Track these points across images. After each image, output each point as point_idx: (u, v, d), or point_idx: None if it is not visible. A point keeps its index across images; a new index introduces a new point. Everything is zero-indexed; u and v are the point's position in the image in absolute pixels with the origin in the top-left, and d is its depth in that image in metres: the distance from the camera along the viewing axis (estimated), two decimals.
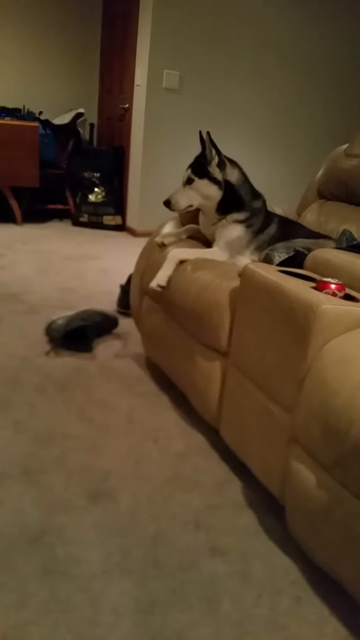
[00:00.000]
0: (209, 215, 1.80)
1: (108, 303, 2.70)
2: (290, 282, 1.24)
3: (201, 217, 1.88)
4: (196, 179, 1.72)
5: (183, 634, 1.02)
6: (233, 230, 1.76)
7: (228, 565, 1.19)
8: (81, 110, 4.54)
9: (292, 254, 1.55)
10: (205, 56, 4.17)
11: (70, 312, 2.28)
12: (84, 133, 4.96)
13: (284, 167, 4.76)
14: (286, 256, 1.54)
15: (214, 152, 1.71)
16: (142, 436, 1.65)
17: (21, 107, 4.56)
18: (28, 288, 2.88)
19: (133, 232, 4.55)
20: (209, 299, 1.52)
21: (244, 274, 1.37)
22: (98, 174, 4.63)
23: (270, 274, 1.30)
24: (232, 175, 1.75)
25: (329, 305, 1.12)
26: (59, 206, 4.70)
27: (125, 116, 4.54)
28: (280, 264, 1.52)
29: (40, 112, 4.58)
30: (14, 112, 4.42)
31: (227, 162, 1.74)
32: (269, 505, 1.38)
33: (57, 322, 2.20)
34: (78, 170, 4.63)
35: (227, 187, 1.73)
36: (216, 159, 1.72)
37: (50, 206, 4.67)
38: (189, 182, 1.73)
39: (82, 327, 2.16)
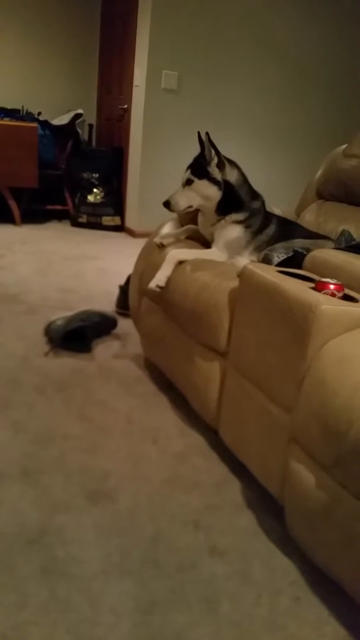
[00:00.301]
0: (208, 216, 1.80)
1: (107, 303, 2.70)
2: (289, 282, 1.24)
3: (200, 218, 1.88)
4: (196, 180, 1.72)
5: (182, 634, 1.02)
6: (232, 231, 1.76)
7: (227, 565, 1.19)
8: (80, 110, 4.55)
9: (291, 254, 1.55)
10: (204, 57, 4.17)
11: (69, 313, 2.28)
12: (83, 133, 4.96)
13: (283, 167, 4.77)
14: (285, 256, 1.54)
15: (213, 152, 1.71)
16: (141, 436, 1.65)
17: (20, 108, 4.56)
18: (27, 288, 2.88)
19: (132, 233, 4.56)
20: (208, 300, 1.52)
21: (243, 275, 1.37)
22: (97, 175, 4.63)
23: (269, 274, 1.30)
24: (232, 176, 1.75)
25: (328, 305, 1.12)
26: (58, 207, 4.70)
27: (124, 117, 4.55)
28: (279, 264, 1.52)
29: (39, 113, 4.59)
30: (12, 113, 4.42)
31: (226, 162, 1.74)
32: (268, 506, 1.38)
33: (56, 323, 2.20)
34: (77, 170, 4.64)
35: (226, 188, 1.73)
36: (215, 160, 1.72)
37: (49, 207, 4.67)
38: (188, 183, 1.73)
39: (81, 328, 2.16)
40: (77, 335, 2.16)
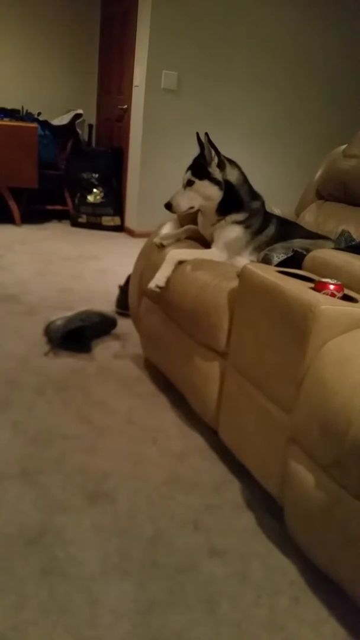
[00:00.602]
0: (209, 216, 1.80)
1: (107, 304, 2.70)
2: (289, 282, 1.24)
3: (200, 218, 1.88)
4: (196, 181, 1.72)
5: (182, 634, 1.02)
6: (232, 231, 1.76)
7: (227, 565, 1.19)
8: (80, 111, 4.55)
9: (290, 254, 1.55)
10: (204, 57, 4.17)
11: (69, 313, 2.28)
12: (83, 134, 4.96)
13: (283, 167, 4.77)
14: (285, 257, 1.54)
15: (213, 152, 1.71)
16: (140, 437, 1.64)
17: (20, 108, 4.56)
18: (27, 289, 2.88)
19: (132, 233, 4.56)
20: (207, 300, 1.52)
21: (242, 275, 1.37)
22: (97, 175, 4.63)
23: (269, 274, 1.30)
24: (232, 175, 1.75)
25: (327, 305, 1.12)
26: (58, 207, 4.70)
27: (123, 117, 4.55)
28: (279, 264, 1.52)
29: (39, 113, 4.58)
30: (12, 113, 4.42)
31: (226, 162, 1.74)
32: (267, 506, 1.38)
33: (56, 323, 2.20)
34: (77, 171, 4.64)
35: (227, 187, 1.73)
36: (216, 160, 1.72)
37: (49, 207, 4.67)
38: (189, 184, 1.73)
39: (80, 328, 2.16)
40: (77, 335, 2.17)
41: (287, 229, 1.85)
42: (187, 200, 1.74)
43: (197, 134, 1.75)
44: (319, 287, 1.21)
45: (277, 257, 1.54)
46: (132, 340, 2.31)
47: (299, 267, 1.45)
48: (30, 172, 4.21)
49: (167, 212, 1.77)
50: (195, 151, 1.76)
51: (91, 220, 4.64)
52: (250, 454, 1.38)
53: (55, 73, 4.88)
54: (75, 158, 4.65)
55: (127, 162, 4.57)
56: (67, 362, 2.08)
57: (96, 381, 1.96)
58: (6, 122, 4.14)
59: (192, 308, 1.58)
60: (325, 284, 1.21)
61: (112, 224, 4.67)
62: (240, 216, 1.76)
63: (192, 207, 1.76)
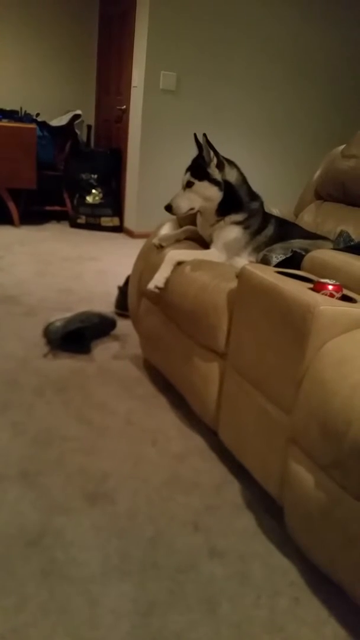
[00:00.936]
0: (208, 217, 1.80)
1: (106, 304, 2.70)
2: (288, 283, 1.24)
3: (199, 219, 1.88)
4: (196, 182, 1.72)
5: (182, 635, 1.02)
6: (231, 232, 1.77)
7: (227, 566, 1.19)
8: (78, 111, 4.55)
9: (289, 255, 1.55)
10: (202, 57, 4.17)
11: (68, 314, 2.28)
12: (82, 134, 4.96)
13: (282, 167, 4.77)
14: (284, 257, 1.54)
15: (212, 153, 1.71)
16: (140, 438, 1.64)
17: (18, 109, 4.55)
18: (26, 290, 2.88)
19: (131, 234, 4.56)
20: (206, 301, 1.52)
21: (241, 275, 1.37)
22: (95, 176, 4.63)
23: (268, 275, 1.30)
24: (231, 176, 1.75)
25: (326, 306, 1.12)
26: (57, 208, 4.70)
27: (122, 118, 4.55)
28: (278, 265, 1.52)
29: (38, 114, 4.58)
30: (11, 114, 4.42)
31: (225, 162, 1.74)
32: (267, 506, 1.38)
33: (55, 324, 2.20)
34: (75, 171, 4.64)
35: (226, 188, 1.73)
36: (215, 160, 1.72)
37: (48, 208, 4.67)
38: (189, 185, 1.73)
39: (80, 329, 2.16)
40: (76, 336, 2.16)
41: (286, 229, 1.85)
42: (187, 202, 1.74)
43: (195, 135, 1.75)
44: (318, 287, 1.21)
45: (276, 257, 1.54)
46: (132, 341, 2.31)
47: (298, 268, 1.45)
48: (29, 173, 4.21)
49: (166, 212, 1.77)
50: (193, 152, 1.76)
51: (90, 221, 4.64)
52: (250, 455, 1.38)
53: (54, 74, 4.88)
54: (74, 159, 4.65)
55: (126, 162, 4.57)
56: (67, 363, 2.08)
57: (96, 382, 1.96)
58: (5, 123, 4.14)
59: (191, 309, 1.58)
60: (324, 285, 1.21)
61: (111, 224, 4.67)
62: (239, 217, 1.76)
63: (192, 209, 1.76)
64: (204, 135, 1.70)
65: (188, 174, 1.74)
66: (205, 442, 1.65)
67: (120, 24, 4.45)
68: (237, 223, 1.76)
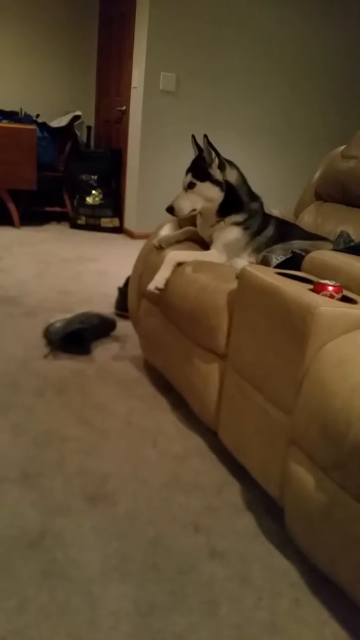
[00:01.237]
0: (208, 218, 1.80)
1: (106, 305, 2.70)
2: (288, 284, 1.24)
3: (199, 219, 1.88)
4: (198, 183, 1.71)
5: (183, 636, 1.02)
6: (231, 233, 1.76)
7: (227, 567, 1.19)
8: (78, 112, 4.55)
9: (289, 255, 1.55)
10: (202, 58, 4.18)
11: (68, 315, 2.28)
12: (81, 135, 4.96)
13: (281, 168, 4.77)
14: (283, 258, 1.54)
15: (213, 154, 1.70)
16: (140, 439, 1.64)
17: (18, 110, 4.56)
18: (26, 291, 2.88)
19: (131, 234, 4.56)
20: (206, 301, 1.52)
21: (241, 276, 1.37)
22: (95, 177, 4.63)
23: (268, 276, 1.30)
24: (232, 176, 1.75)
25: (326, 307, 1.12)
26: (57, 209, 4.70)
27: (122, 118, 4.55)
28: (278, 266, 1.52)
29: (38, 115, 4.59)
30: (11, 115, 4.42)
31: (226, 163, 1.74)
32: (267, 508, 1.38)
33: (55, 325, 2.20)
34: (75, 172, 4.64)
35: (227, 188, 1.73)
36: (216, 161, 1.71)
37: (48, 209, 4.67)
38: (190, 186, 1.72)
39: (80, 330, 2.16)
40: (76, 337, 2.16)
41: (286, 229, 1.85)
42: (189, 203, 1.73)
43: (193, 136, 1.75)
44: (318, 288, 1.21)
45: (276, 258, 1.54)
46: (132, 342, 2.31)
47: (298, 269, 1.45)
48: (29, 174, 4.21)
49: (165, 213, 1.77)
50: (193, 153, 1.77)
51: (90, 221, 4.64)
52: (250, 456, 1.38)
53: (54, 75, 4.88)
54: (74, 160, 4.65)
55: (125, 163, 4.57)
56: (67, 364, 2.08)
57: (96, 383, 1.96)
58: (5, 124, 4.15)
59: (191, 310, 1.58)
60: (324, 286, 1.21)
61: (111, 225, 4.67)
62: (239, 217, 1.76)
63: (194, 210, 1.75)
64: (205, 136, 1.69)
65: (189, 175, 1.73)
66: (205, 443, 1.65)
67: (120, 25, 4.45)
68: (237, 224, 1.76)
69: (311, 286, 1.23)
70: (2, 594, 1.06)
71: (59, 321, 2.22)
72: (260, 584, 1.15)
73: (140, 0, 4.00)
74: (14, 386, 1.87)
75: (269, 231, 1.80)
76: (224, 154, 1.75)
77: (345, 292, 1.24)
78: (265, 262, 1.56)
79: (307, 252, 1.51)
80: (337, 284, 1.22)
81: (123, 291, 2.58)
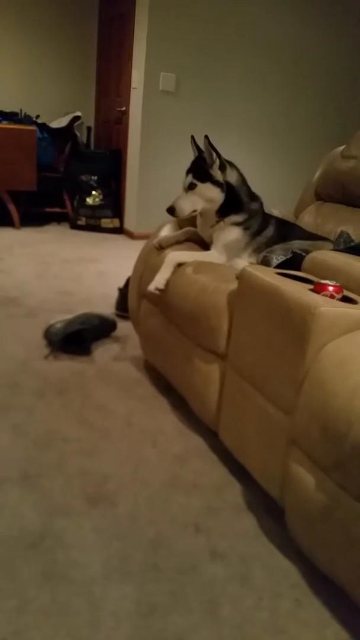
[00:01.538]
0: (208, 218, 1.80)
1: (106, 306, 2.70)
2: (288, 284, 1.24)
3: (199, 220, 1.88)
4: (199, 184, 1.71)
5: (183, 637, 1.02)
6: (231, 233, 1.76)
7: (228, 568, 1.19)
8: (78, 113, 4.55)
9: (289, 256, 1.55)
10: (202, 58, 4.17)
11: (68, 316, 2.27)
12: (81, 136, 4.96)
13: (281, 168, 4.77)
14: (284, 258, 1.54)
15: (214, 155, 1.70)
16: (141, 439, 1.64)
17: (18, 111, 4.56)
18: (26, 291, 2.88)
19: (131, 235, 4.56)
20: (207, 302, 1.52)
21: (241, 277, 1.37)
22: (95, 177, 4.63)
23: (268, 276, 1.30)
24: (232, 177, 1.75)
25: (326, 307, 1.12)
26: (57, 209, 4.70)
27: (122, 119, 4.55)
28: (278, 266, 1.52)
29: (38, 116, 4.59)
30: (11, 116, 4.42)
31: (226, 163, 1.74)
32: (268, 508, 1.38)
33: (56, 326, 2.20)
34: (76, 173, 4.64)
35: (227, 189, 1.73)
36: (217, 162, 1.71)
37: (48, 209, 4.67)
38: (191, 187, 1.72)
39: (80, 331, 2.16)
40: (77, 338, 2.16)
41: (286, 230, 1.85)
42: (189, 204, 1.73)
43: (193, 137, 1.75)
44: (318, 288, 1.21)
45: (276, 258, 1.54)
46: (132, 343, 2.31)
47: (298, 269, 1.45)
48: (29, 174, 4.21)
49: (166, 213, 1.77)
50: (193, 153, 1.77)
51: (90, 222, 4.64)
52: (250, 456, 1.38)
53: (54, 75, 4.88)
54: (74, 160, 4.65)
55: (125, 164, 4.57)
56: (67, 365, 2.08)
57: (96, 384, 1.96)
58: (5, 125, 4.15)
59: (191, 310, 1.58)
60: (325, 286, 1.21)
61: (111, 226, 4.67)
62: (239, 218, 1.76)
63: (194, 211, 1.75)
64: (206, 137, 1.69)
65: (190, 175, 1.73)
66: (205, 444, 1.65)
67: (119, 25, 4.46)
68: (237, 224, 1.76)
69: (311, 286, 1.23)
70: (2, 594, 1.06)
71: (60, 322, 2.22)
72: (261, 585, 1.15)
73: (140, 0, 4.00)
74: (15, 387, 1.87)
75: (269, 231, 1.80)
76: (224, 154, 1.75)
77: (346, 293, 1.24)
78: (265, 262, 1.56)
79: (307, 252, 1.51)
80: (338, 284, 1.22)
81: (123, 292, 2.58)
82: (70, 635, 1.00)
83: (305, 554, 1.17)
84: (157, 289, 1.71)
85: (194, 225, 1.93)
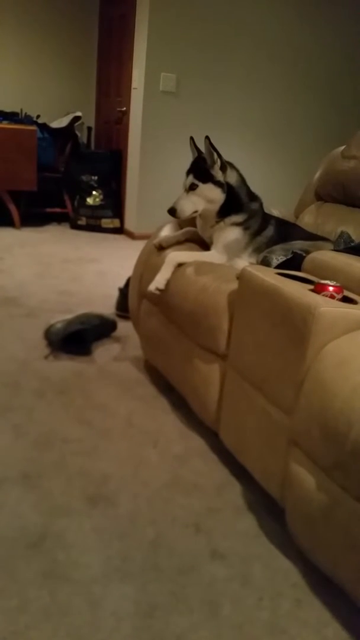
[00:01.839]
0: (208, 219, 1.80)
1: (106, 306, 2.70)
2: (288, 284, 1.24)
3: (198, 220, 1.88)
4: (200, 184, 1.71)
5: (183, 637, 1.02)
6: (231, 233, 1.76)
7: (228, 568, 1.19)
8: (79, 113, 4.55)
9: (289, 256, 1.55)
10: (202, 59, 4.18)
11: (68, 316, 2.27)
12: (82, 136, 4.96)
13: (282, 169, 4.77)
14: (284, 258, 1.54)
15: (215, 155, 1.70)
16: (141, 439, 1.64)
17: (19, 111, 4.56)
18: (26, 292, 2.88)
19: (131, 235, 4.56)
20: (207, 302, 1.52)
21: (242, 277, 1.37)
22: (96, 177, 4.63)
23: (268, 276, 1.30)
24: (232, 178, 1.75)
25: (327, 307, 1.12)
26: (57, 210, 4.70)
27: (122, 119, 4.55)
28: (278, 266, 1.52)
29: (38, 116, 4.59)
30: (11, 116, 4.42)
31: (227, 164, 1.74)
32: (269, 508, 1.38)
33: (56, 326, 2.20)
34: (76, 173, 4.64)
35: (227, 189, 1.73)
36: (218, 163, 1.71)
37: (49, 210, 4.67)
38: (192, 187, 1.71)
39: (80, 331, 2.16)
40: (77, 338, 2.16)
41: (286, 230, 1.85)
42: (191, 205, 1.72)
43: (192, 138, 1.75)
44: (319, 288, 1.21)
45: (277, 259, 1.54)
46: (132, 343, 2.31)
47: (299, 269, 1.45)
48: (29, 174, 4.21)
49: (166, 214, 1.77)
50: (192, 154, 1.76)
51: (90, 222, 4.64)
52: (251, 456, 1.38)
53: (54, 76, 4.88)
54: (74, 160, 4.65)
55: (126, 164, 4.57)
56: (67, 365, 2.08)
57: (96, 384, 1.96)
58: (5, 125, 4.15)
59: (191, 310, 1.58)
60: (325, 286, 1.21)
61: (111, 226, 4.67)
62: (239, 218, 1.76)
63: (196, 211, 1.74)
64: (207, 137, 1.69)
65: (190, 176, 1.73)
66: (206, 444, 1.65)
67: (120, 25, 4.46)
68: (237, 224, 1.76)
69: (312, 286, 1.23)
70: (3, 594, 1.06)
71: (60, 322, 2.22)
72: (262, 585, 1.15)
73: (141, 1, 4.00)
74: (15, 387, 1.87)
75: (269, 231, 1.80)
76: (224, 154, 1.75)
77: (346, 293, 1.24)
78: (265, 262, 1.56)
79: (307, 252, 1.51)
80: (338, 285, 1.22)
81: (124, 292, 2.58)
82: (70, 635, 1.00)
83: (306, 554, 1.17)
84: (157, 289, 1.71)
85: (194, 226, 1.93)
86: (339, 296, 1.21)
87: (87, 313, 2.32)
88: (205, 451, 1.62)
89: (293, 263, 1.51)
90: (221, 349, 1.49)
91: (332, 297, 1.19)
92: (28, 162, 4.17)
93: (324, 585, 1.16)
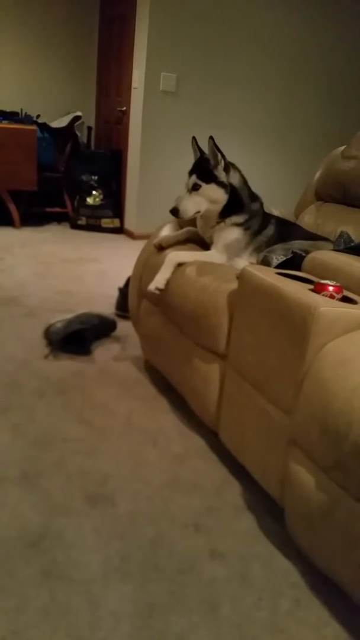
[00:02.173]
0: (210, 219, 1.79)
1: (106, 306, 2.70)
2: (288, 284, 1.24)
3: (199, 220, 1.88)
4: (203, 185, 1.70)
5: (183, 637, 1.02)
6: (231, 233, 1.76)
7: (228, 568, 1.19)
8: (79, 113, 4.55)
9: (289, 256, 1.55)
10: (202, 59, 4.18)
11: (68, 315, 2.27)
12: (82, 136, 4.96)
13: (282, 169, 4.77)
14: (284, 258, 1.54)
15: (219, 156, 1.70)
16: (141, 439, 1.64)
17: (19, 111, 4.56)
18: (26, 291, 2.88)
19: (131, 235, 4.56)
20: (207, 302, 1.52)
21: (242, 277, 1.37)
22: (96, 177, 4.63)
23: (268, 276, 1.30)
24: (235, 179, 1.75)
25: (327, 307, 1.12)
26: (57, 209, 4.70)
27: (122, 119, 4.55)
28: (278, 266, 1.52)
29: (38, 116, 4.59)
30: (11, 116, 4.42)
31: (229, 165, 1.74)
32: (268, 508, 1.38)
33: (56, 326, 2.20)
34: (76, 173, 4.64)
35: (230, 190, 1.73)
36: (222, 163, 1.71)
37: (49, 209, 4.67)
38: (195, 188, 1.71)
39: (80, 330, 2.16)
40: (77, 337, 2.16)
41: (286, 229, 1.85)
42: (193, 205, 1.71)
43: (194, 138, 1.74)
44: (318, 288, 1.21)
45: (277, 258, 1.54)
46: (132, 343, 2.31)
47: (298, 269, 1.45)
48: (29, 174, 4.21)
49: (166, 213, 1.77)
50: (194, 154, 1.76)
51: (90, 222, 4.64)
52: (250, 456, 1.38)
53: (54, 75, 4.88)
54: (74, 160, 4.65)
55: (126, 164, 4.57)
56: (67, 365, 2.08)
57: (96, 384, 1.96)
58: (5, 124, 4.14)
59: (191, 310, 1.58)
60: (325, 286, 1.21)
61: (111, 226, 4.67)
62: (240, 218, 1.76)
63: (198, 212, 1.74)
64: (211, 137, 1.68)
65: (194, 176, 1.72)
66: (205, 444, 1.65)
67: (120, 25, 4.46)
68: (238, 224, 1.76)
69: (311, 286, 1.23)
70: (2, 594, 1.06)
71: (60, 321, 2.22)
72: (261, 584, 1.15)
73: (141, 1, 4.00)
74: (15, 386, 1.87)
75: (269, 231, 1.80)
76: (225, 154, 1.74)
77: (346, 293, 1.24)
78: (265, 262, 1.56)
79: (307, 252, 1.51)
80: (338, 284, 1.22)
81: (123, 291, 2.58)
82: (69, 634, 1.00)
83: (305, 554, 1.17)
84: (157, 288, 1.71)
85: (195, 226, 1.93)
86: (339, 296, 1.21)
87: (87, 313, 2.32)
88: (204, 451, 1.62)
89: (293, 263, 1.51)
90: (221, 348, 1.49)
91: (331, 297, 1.19)
92: (28, 161, 4.17)
93: (323, 585, 1.16)
